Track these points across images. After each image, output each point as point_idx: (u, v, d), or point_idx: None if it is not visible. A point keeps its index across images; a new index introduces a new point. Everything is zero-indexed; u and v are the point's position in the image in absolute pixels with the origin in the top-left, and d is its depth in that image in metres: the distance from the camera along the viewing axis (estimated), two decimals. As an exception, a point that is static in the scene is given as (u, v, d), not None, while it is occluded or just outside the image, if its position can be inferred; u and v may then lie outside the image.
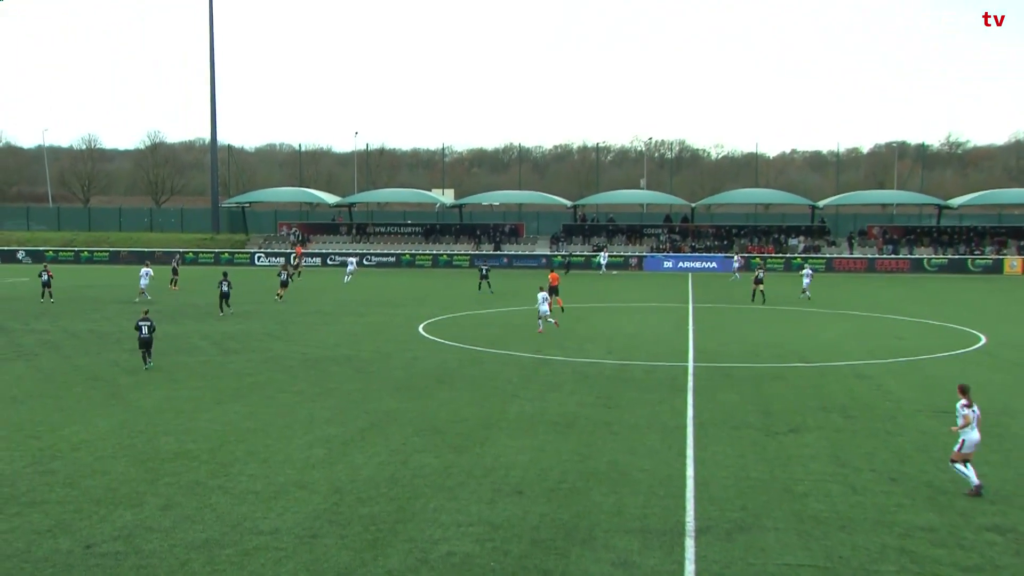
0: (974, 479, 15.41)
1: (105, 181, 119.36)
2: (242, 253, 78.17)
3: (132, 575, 12.13)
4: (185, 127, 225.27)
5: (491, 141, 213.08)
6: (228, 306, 41.31)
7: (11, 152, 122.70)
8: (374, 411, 21.57)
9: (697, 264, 73.28)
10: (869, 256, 74.56)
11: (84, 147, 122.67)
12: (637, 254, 75.54)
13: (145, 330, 27.17)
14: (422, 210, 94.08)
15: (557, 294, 41.20)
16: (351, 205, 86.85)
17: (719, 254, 74.95)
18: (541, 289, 36.58)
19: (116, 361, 28.45)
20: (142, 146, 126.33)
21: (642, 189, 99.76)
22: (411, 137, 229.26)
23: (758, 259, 68.88)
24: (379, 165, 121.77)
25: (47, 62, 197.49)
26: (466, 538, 13.46)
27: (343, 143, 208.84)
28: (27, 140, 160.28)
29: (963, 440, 15.65)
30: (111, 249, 77.78)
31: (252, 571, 12.26)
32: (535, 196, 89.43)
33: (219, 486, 15.75)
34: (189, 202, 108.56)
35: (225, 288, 41.16)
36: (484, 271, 53.49)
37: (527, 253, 77.31)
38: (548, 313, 35.26)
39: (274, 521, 14.08)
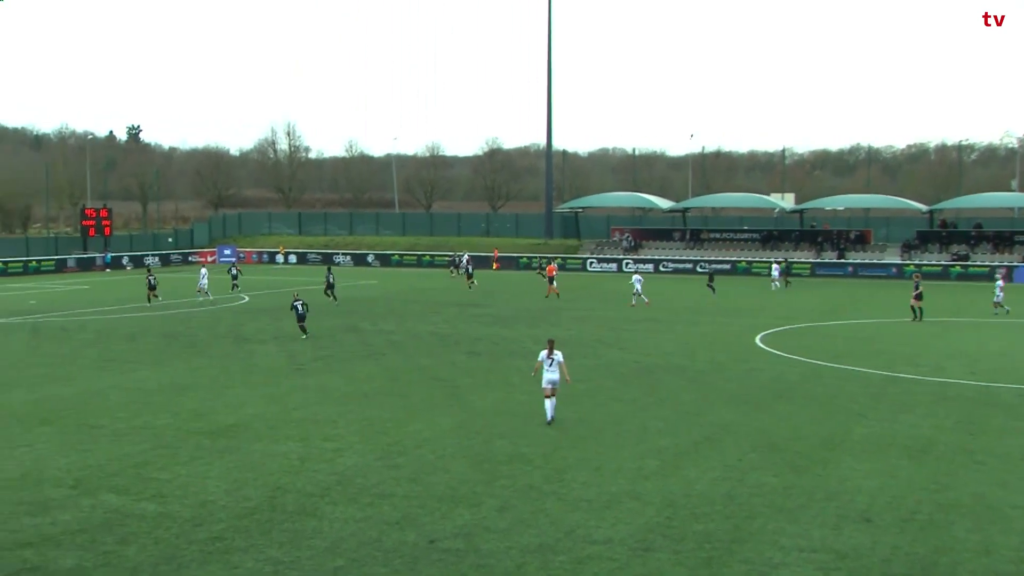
0: None
1: (446, 187, 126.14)
2: (574, 258, 79.67)
3: (472, 573, 12.41)
4: (521, 133, 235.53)
5: (836, 142, 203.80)
6: (330, 297, 45.82)
7: (364, 161, 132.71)
8: (708, 424, 20.92)
9: (1078, 275, 65.26)
10: None
11: (428, 155, 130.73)
12: (1007, 264, 68.49)
13: (300, 308, 34.75)
14: (760, 215, 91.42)
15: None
16: (685, 210, 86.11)
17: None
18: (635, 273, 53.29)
19: (455, 362, 29.79)
20: (480, 152, 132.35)
21: (1013, 192, 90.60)
22: (749, 139, 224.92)
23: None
24: (715, 168, 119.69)
25: (398, 75, 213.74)
26: (808, 564, 12.57)
27: (677, 146, 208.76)
28: (378, 149, 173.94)
29: None
30: (451, 253, 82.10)
31: (584, 581, 12.12)
32: (885, 200, 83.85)
33: (553, 491, 15.84)
34: (523, 207, 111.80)
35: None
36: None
37: (875, 262, 72.65)
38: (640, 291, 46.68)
39: (607, 531, 13.90)
